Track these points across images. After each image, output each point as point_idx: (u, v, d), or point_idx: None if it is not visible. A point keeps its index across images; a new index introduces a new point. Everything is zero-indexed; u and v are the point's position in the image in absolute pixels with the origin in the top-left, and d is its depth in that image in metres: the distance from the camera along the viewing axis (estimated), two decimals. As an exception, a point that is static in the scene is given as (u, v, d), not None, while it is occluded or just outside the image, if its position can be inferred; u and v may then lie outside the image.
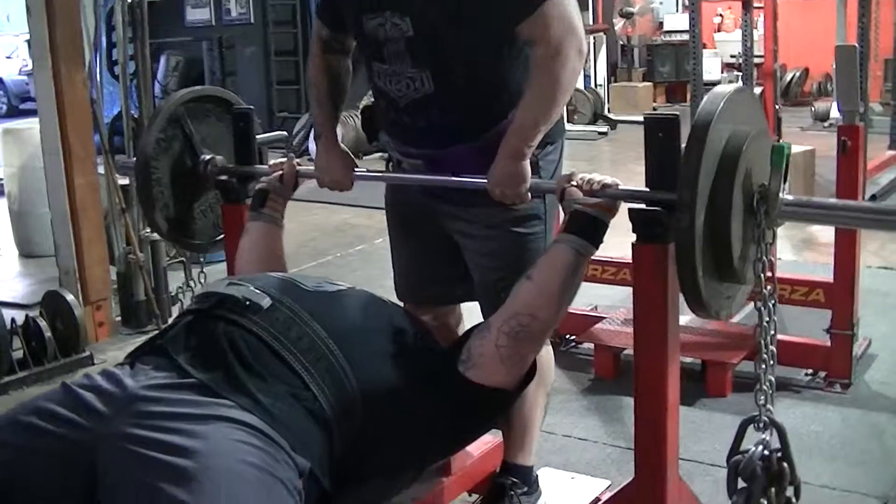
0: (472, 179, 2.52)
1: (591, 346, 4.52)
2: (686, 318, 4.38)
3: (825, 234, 6.38)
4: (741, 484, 2.00)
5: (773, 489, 1.98)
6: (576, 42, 2.41)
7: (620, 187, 2.26)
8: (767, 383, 2.01)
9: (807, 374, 4.25)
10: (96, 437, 1.90)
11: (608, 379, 4.33)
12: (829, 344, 4.19)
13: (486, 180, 2.46)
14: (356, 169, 2.79)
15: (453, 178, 2.58)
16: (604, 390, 4.24)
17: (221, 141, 3.02)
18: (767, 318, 2.03)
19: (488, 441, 2.98)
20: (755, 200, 1.99)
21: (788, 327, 4.74)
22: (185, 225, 3.03)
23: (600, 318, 4.63)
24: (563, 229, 2.28)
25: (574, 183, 2.29)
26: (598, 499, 2.99)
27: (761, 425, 2.01)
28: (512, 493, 2.82)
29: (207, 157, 2.96)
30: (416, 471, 2.40)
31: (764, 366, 2.02)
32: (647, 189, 2.20)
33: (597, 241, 2.26)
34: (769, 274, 2.02)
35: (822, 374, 4.20)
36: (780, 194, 1.97)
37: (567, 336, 4.75)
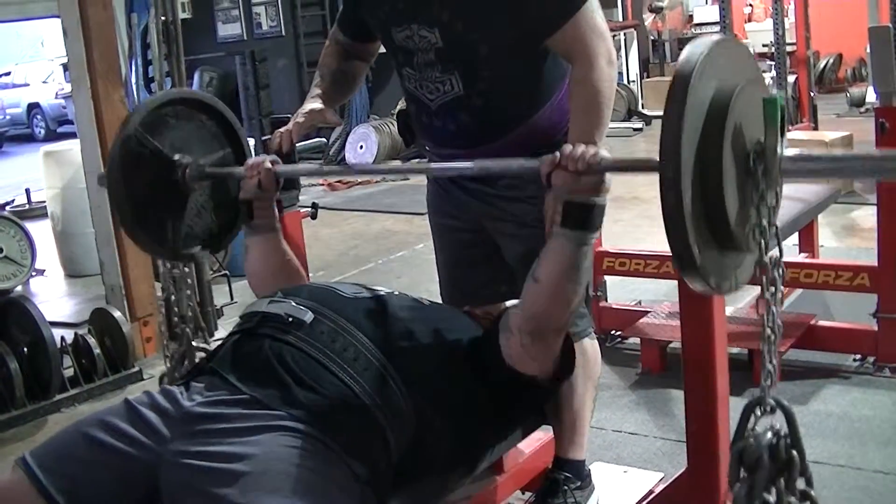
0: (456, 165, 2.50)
1: (637, 340, 4.53)
2: (731, 308, 4.38)
3: (867, 219, 6.35)
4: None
5: (781, 479, 1.80)
6: (605, 50, 2.41)
7: (606, 159, 2.04)
8: (771, 363, 1.84)
9: (855, 360, 4.24)
10: (157, 456, 1.95)
11: (655, 372, 4.34)
12: (876, 328, 4.18)
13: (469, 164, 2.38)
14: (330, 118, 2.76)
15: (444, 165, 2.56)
16: (652, 384, 4.25)
17: (191, 138, 2.82)
18: (772, 290, 1.82)
19: (539, 438, 2.98)
20: (751, 159, 1.75)
21: (834, 313, 4.74)
22: (185, 237, 2.83)
23: (645, 313, 4.63)
24: (558, 222, 2.12)
25: (560, 163, 2.05)
26: (651, 491, 2.99)
27: (767, 409, 1.83)
28: (566, 487, 2.80)
29: (183, 162, 2.75)
30: (469, 469, 2.41)
31: (767, 343, 1.84)
32: (632, 158, 2.07)
33: (595, 226, 2.11)
34: (773, 240, 1.78)
35: (871, 358, 4.19)
36: (779, 149, 1.74)
37: (613, 331, 4.77)
